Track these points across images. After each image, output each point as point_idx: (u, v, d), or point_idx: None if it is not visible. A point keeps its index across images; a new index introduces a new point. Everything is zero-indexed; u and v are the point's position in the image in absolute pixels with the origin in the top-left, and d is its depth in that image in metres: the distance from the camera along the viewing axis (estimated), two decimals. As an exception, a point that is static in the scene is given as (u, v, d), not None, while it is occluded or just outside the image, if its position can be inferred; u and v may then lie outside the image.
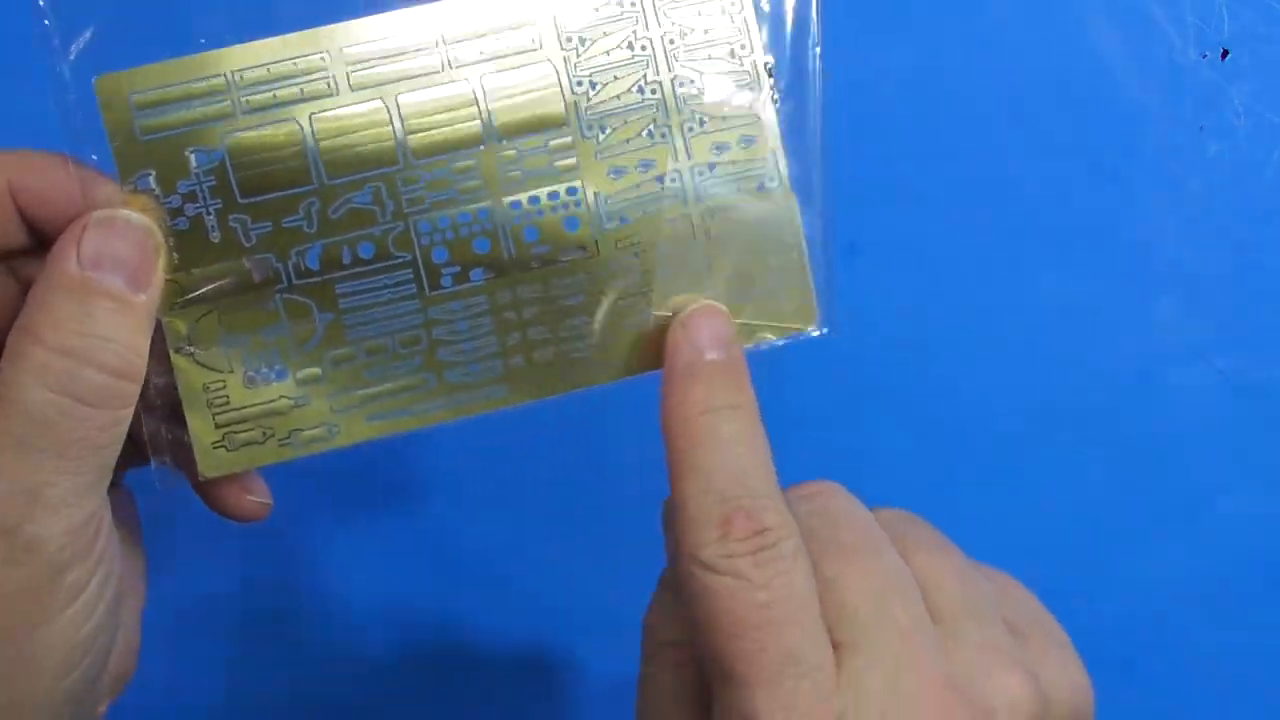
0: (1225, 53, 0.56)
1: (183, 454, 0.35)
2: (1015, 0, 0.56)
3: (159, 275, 0.33)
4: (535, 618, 0.56)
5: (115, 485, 0.38)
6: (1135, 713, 0.56)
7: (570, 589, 0.55)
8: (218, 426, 0.34)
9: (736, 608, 0.29)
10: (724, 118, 0.36)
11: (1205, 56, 0.56)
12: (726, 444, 0.32)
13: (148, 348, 0.32)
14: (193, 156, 0.34)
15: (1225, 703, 0.57)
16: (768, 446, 0.33)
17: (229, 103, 0.34)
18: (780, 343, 0.36)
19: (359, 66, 0.34)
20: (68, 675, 0.32)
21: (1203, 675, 0.57)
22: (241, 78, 0.34)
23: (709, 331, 0.34)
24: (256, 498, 0.36)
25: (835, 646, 0.30)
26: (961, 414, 0.56)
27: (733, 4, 0.36)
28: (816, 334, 0.37)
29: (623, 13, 0.35)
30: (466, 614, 0.56)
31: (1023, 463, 0.57)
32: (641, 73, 0.35)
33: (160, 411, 0.35)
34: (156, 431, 0.35)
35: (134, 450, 0.37)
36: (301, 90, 0.34)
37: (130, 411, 0.32)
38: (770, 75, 0.36)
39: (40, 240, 0.34)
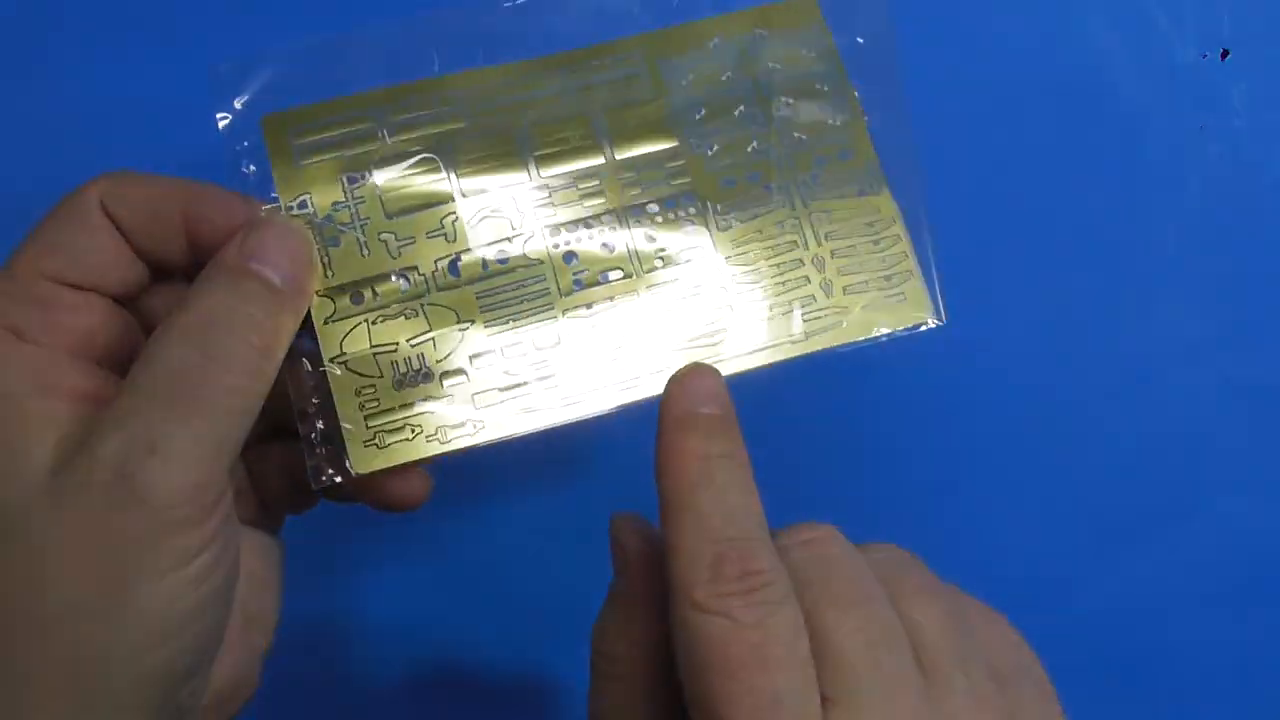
0: (1225, 53, 0.64)
1: (337, 454, 0.42)
2: (1015, 1, 0.64)
3: (311, 283, 0.41)
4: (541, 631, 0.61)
5: (270, 530, 0.45)
6: (1134, 712, 0.63)
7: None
8: (369, 427, 0.42)
9: (726, 647, 0.34)
10: (821, 135, 0.45)
11: (1205, 56, 0.64)
12: (720, 488, 0.37)
13: (287, 343, 0.39)
14: (344, 180, 0.43)
15: (1224, 702, 0.63)
16: (758, 495, 0.37)
17: (376, 133, 0.43)
18: (900, 333, 0.45)
19: (490, 106, 0.44)
20: (158, 646, 0.35)
21: (1201, 674, 0.63)
22: (388, 111, 0.43)
23: (703, 388, 0.39)
24: (415, 476, 0.43)
25: (823, 696, 0.34)
26: (960, 413, 0.63)
27: (818, 38, 0.46)
28: (933, 324, 0.45)
29: (721, 49, 0.45)
30: (474, 630, 0.61)
31: (1022, 462, 0.63)
32: (743, 95, 0.45)
33: (316, 418, 0.42)
34: (310, 434, 0.42)
35: (289, 494, 0.45)
36: (439, 121, 0.44)
37: (260, 392, 0.38)
38: (857, 92, 0.46)
39: (201, 263, 0.41)
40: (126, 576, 0.35)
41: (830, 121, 0.45)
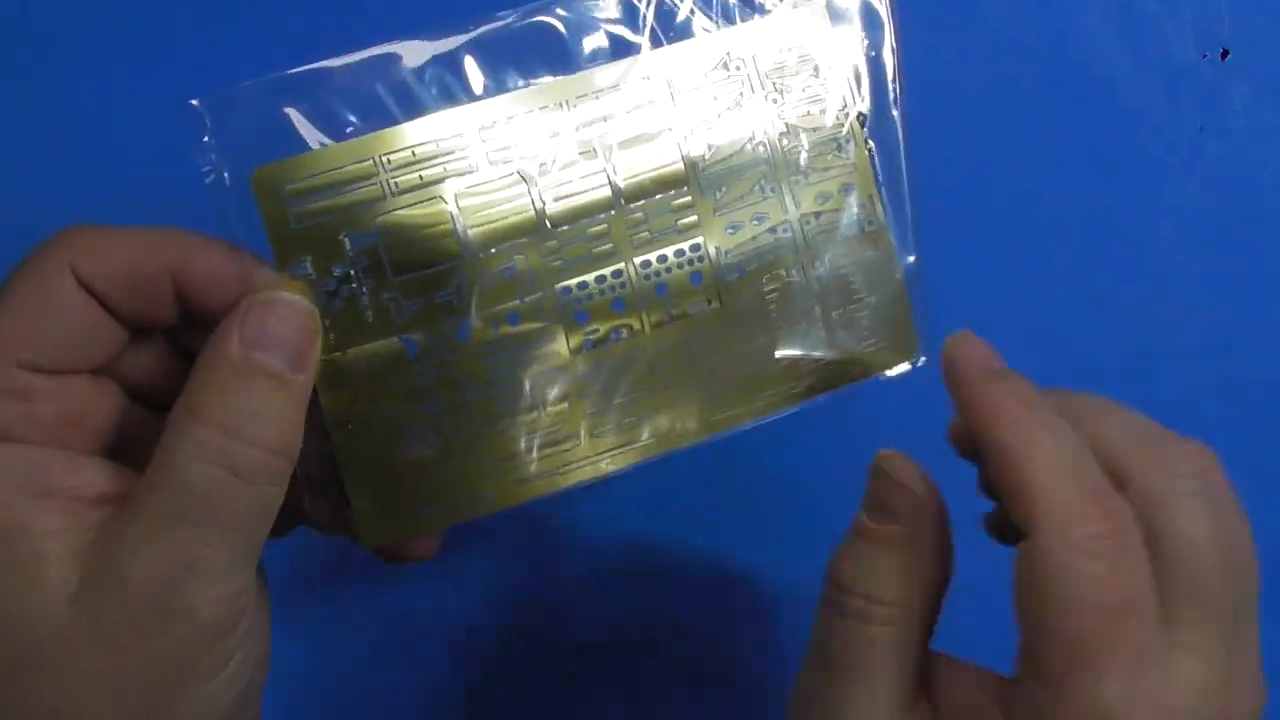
0: (1225, 53, 0.64)
1: (344, 523, 0.42)
2: (1015, 1, 0.64)
3: (316, 358, 0.39)
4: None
5: None
6: None
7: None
8: (377, 496, 0.41)
9: (1100, 591, 0.34)
10: (825, 169, 0.45)
11: (1205, 56, 0.64)
12: (1058, 431, 0.37)
13: (303, 426, 0.38)
14: (346, 240, 0.41)
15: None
16: None
17: (378, 186, 0.41)
18: (886, 376, 0.45)
19: (496, 145, 0.42)
20: None
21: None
22: (389, 161, 0.41)
23: (983, 348, 0.40)
24: (421, 541, 0.43)
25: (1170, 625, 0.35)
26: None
27: (827, 66, 0.45)
28: (917, 364, 0.45)
29: (729, 76, 0.44)
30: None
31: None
32: (750, 131, 0.44)
33: (321, 484, 0.41)
34: (317, 503, 0.41)
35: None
36: (445, 169, 0.42)
37: (284, 488, 0.37)
38: (864, 126, 0.45)
39: (190, 319, 0.40)
40: (171, 694, 0.36)
41: (835, 156, 0.45)
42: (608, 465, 0.43)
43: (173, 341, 0.42)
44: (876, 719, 0.38)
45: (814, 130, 0.45)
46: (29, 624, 0.35)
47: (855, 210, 0.45)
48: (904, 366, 0.46)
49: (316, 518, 0.42)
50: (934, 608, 0.40)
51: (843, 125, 0.45)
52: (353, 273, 0.42)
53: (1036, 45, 0.64)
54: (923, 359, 0.46)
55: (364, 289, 0.42)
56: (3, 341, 0.37)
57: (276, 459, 0.37)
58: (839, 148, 0.45)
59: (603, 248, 0.44)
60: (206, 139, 0.40)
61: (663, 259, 0.44)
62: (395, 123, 0.42)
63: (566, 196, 0.43)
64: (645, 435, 0.44)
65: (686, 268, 0.44)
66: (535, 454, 0.43)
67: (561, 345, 0.43)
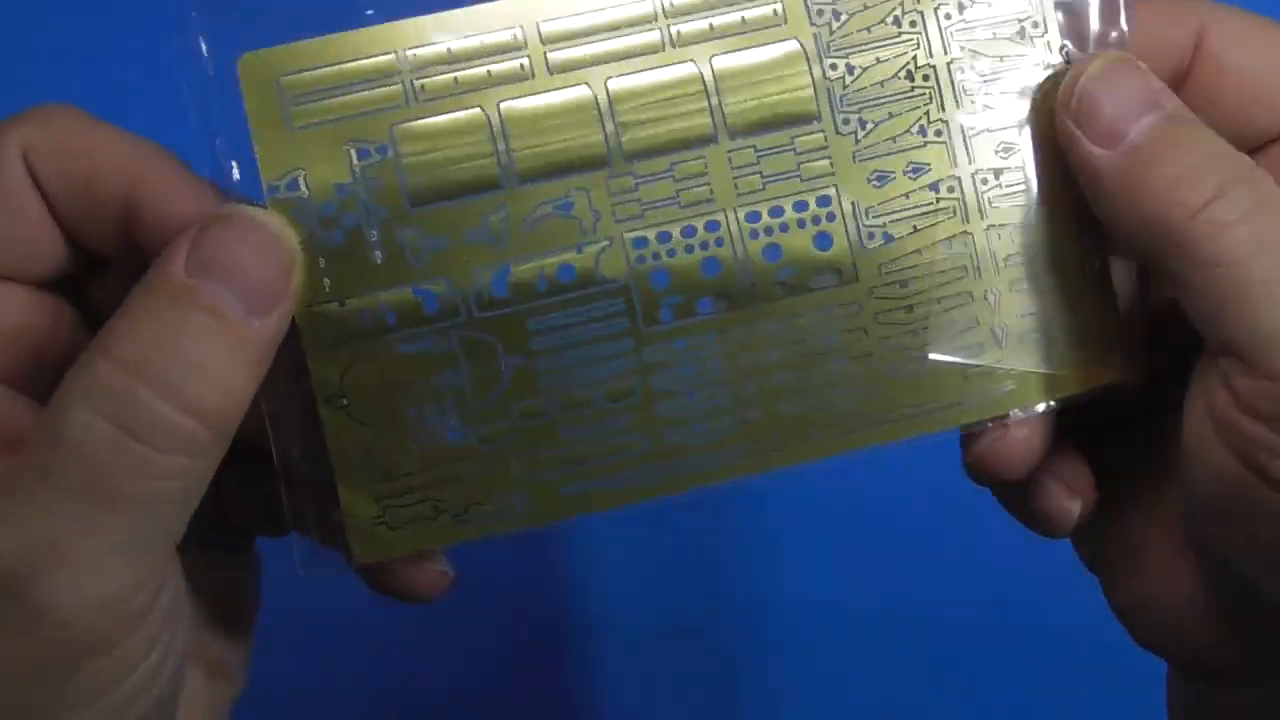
0: None
1: (334, 531, 0.34)
2: None
3: (288, 301, 0.31)
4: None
5: (239, 547, 0.37)
6: (1133, 711, 0.56)
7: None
8: (378, 499, 0.33)
9: None
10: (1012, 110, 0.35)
11: None
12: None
13: (249, 393, 0.30)
14: (353, 151, 0.33)
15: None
16: None
17: (400, 86, 0.33)
18: (1083, 396, 0.35)
19: (560, 43, 0.33)
20: None
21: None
22: (415, 56, 0.33)
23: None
24: (434, 565, 0.35)
25: None
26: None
27: None
28: (1127, 384, 0.35)
29: None
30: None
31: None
32: (911, 54, 0.34)
33: (305, 480, 0.33)
34: (300, 505, 0.33)
35: (264, 517, 0.36)
36: (489, 72, 0.33)
37: (207, 470, 0.30)
38: (1066, 60, 0.35)
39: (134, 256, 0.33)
40: (34, 713, 0.29)
41: (1025, 89, 0.35)
42: (684, 481, 0.35)
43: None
44: None
45: (999, 59, 0.35)
46: None
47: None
48: (1107, 386, 0.36)
49: (297, 521, 0.34)
50: None
51: (1040, 56, 0.35)
52: (359, 196, 0.33)
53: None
54: (1138, 379, 0.36)
55: (373, 219, 0.33)
56: None
57: (194, 424, 0.29)
58: (1031, 85, 0.35)
59: (695, 191, 0.34)
60: (194, 14, 0.33)
61: (777, 212, 0.34)
62: (427, 11, 0.34)
63: (650, 121, 0.34)
64: (739, 448, 0.35)
65: (810, 226, 0.34)
66: (588, 455, 0.34)
67: (631, 314, 0.34)
